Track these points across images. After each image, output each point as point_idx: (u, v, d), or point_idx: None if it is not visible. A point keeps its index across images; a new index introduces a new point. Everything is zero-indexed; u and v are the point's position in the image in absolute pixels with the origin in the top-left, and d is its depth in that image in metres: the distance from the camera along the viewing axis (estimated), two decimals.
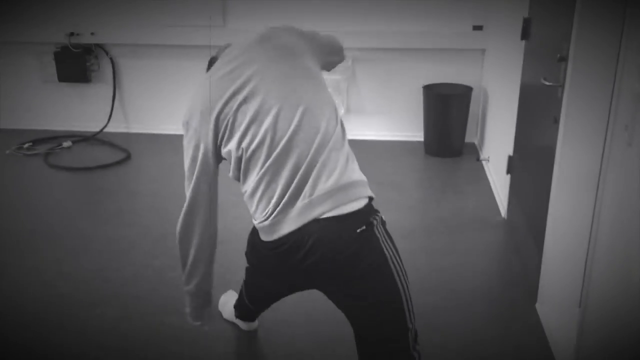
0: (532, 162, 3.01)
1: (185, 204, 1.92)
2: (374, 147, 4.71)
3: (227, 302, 2.67)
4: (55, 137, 4.92)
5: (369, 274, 1.75)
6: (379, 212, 1.82)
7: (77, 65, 4.91)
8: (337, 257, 1.74)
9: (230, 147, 1.82)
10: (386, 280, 1.76)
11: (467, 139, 4.66)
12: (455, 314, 2.70)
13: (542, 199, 2.61)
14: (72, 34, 4.83)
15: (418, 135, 4.75)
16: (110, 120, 5.03)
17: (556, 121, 2.46)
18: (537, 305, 2.69)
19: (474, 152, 4.61)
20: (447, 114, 4.55)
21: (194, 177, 1.89)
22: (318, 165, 1.75)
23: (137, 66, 4.97)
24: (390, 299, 1.77)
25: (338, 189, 1.74)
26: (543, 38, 2.88)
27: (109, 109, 5.02)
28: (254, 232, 1.91)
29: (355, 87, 4.82)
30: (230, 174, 1.89)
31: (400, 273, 1.78)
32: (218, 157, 1.90)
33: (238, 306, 2.53)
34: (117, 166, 4.42)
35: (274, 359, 2.51)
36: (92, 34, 4.83)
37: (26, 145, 4.72)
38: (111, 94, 5.01)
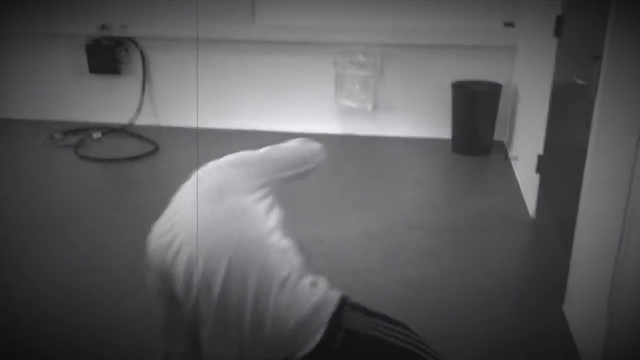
0: (562, 162, 2.97)
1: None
2: (401, 144, 4.67)
3: None
4: (85, 129, 4.98)
5: None
6: (343, 310, 1.68)
7: (107, 57, 4.98)
8: None
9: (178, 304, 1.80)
10: (396, 355, 1.68)
11: (496, 137, 4.62)
12: (480, 313, 2.67)
13: (572, 199, 2.57)
14: (103, 26, 4.89)
15: (446, 133, 4.71)
16: (140, 113, 5.09)
17: (588, 121, 2.42)
18: (564, 307, 2.66)
19: (503, 150, 4.56)
20: (476, 112, 4.51)
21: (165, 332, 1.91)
22: (269, 312, 1.64)
23: (167, 59, 5.02)
24: None
25: (297, 329, 1.64)
26: (576, 36, 2.84)
27: (138, 102, 5.08)
28: None
29: (382, 84, 4.80)
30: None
31: (404, 337, 1.69)
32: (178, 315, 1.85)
33: None
34: (145, 158, 4.46)
35: None
36: (123, 26, 4.88)
37: (57, 136, 4.79)
38: (140, 87, 5.07)
